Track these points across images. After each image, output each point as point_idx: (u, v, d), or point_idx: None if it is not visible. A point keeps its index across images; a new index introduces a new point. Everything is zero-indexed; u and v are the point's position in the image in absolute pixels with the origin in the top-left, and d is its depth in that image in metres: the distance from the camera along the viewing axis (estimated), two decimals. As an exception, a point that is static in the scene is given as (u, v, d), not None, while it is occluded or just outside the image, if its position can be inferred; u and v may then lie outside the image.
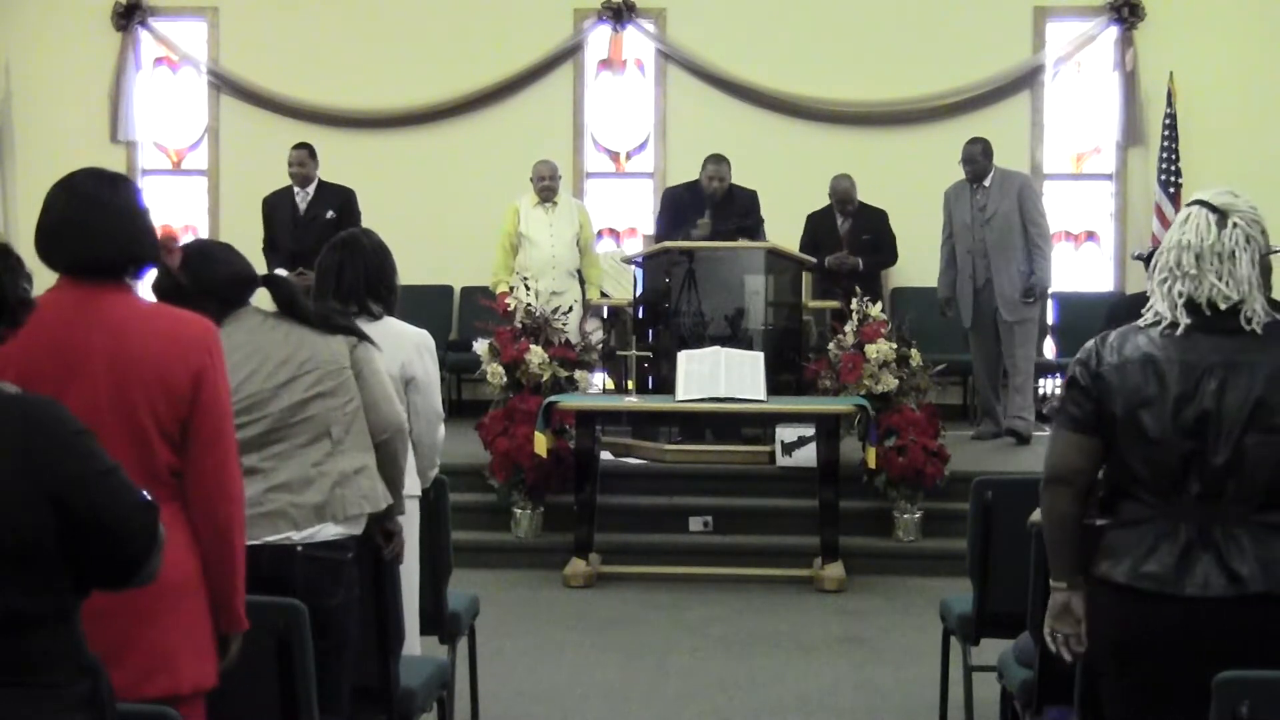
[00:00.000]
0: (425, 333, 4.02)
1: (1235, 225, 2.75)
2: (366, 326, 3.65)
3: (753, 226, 8.23)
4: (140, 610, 2.52)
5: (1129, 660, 2.73)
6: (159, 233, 2.81)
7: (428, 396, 3.97)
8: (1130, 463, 2.76)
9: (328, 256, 3.91)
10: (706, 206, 8.32)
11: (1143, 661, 2.71)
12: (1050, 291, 10.18)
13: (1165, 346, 2.75)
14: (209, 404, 2.62)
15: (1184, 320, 2.75)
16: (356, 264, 3.86)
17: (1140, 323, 2.82)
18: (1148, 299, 3.66)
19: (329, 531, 3.21)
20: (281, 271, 3.54)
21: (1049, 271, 8.52)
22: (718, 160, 8.45)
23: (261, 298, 3.34)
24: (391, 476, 3.44)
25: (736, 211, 8.33)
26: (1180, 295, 2.76)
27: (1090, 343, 2.85)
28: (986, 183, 8.46)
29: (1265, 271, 2.80)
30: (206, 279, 3.19)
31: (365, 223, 8.71)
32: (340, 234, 4.03)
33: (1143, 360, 2.75)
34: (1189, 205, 2.84)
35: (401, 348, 3.89)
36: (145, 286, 2.96)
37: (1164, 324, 2.78)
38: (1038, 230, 8.44)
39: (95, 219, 2.61)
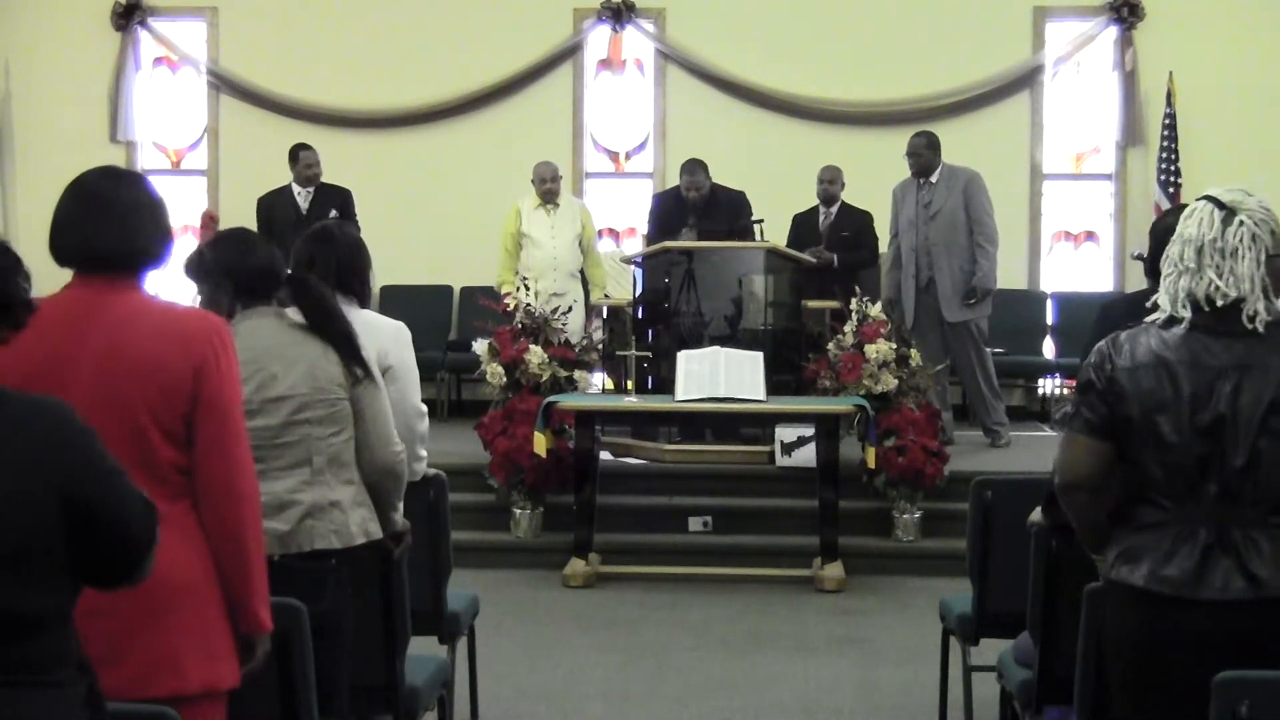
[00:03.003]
0: (401, 324, 3.96)
1: (1241, 223, 2.72)
2: None
3: (745, 229, 8.18)
4: (142, 611, 2.50)
5: (1145, 663, 2.72)
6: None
7: (404, 389, 3.87)
8: (1146, 466, 2.73)
9: (300, 249, 3.85)
10: (690, 214, 8.32)
11: (1160, 664, 2.69)
12: (1056, 293, 10.25)
13: (1177, 348, 2.72)
14: (212, 400, 2.57)
15: (1185, 315, 2.73)
16: (327, 257, 3.79)
17: (1147, 320, 2.79)
18: (1144, 298, 3.66)
19: None
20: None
21: (993, 272, 8.22)
22: (692, 170, 8.44)
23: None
24: (383, 509, 3.42)
25: (724, 214, 8.29)
26: (1182, 290, 2.74)
27: (1101, 344, 2.82)
28: (933, 178, 8.25)
29: (1276, 275, 2.75)
30: (230, 261, 3.21)
31: (364, 223, 8.74)
32: (313, 226, 4.00)
33: (1155, 363, 2.72)
34: (1198, 200, 2.80)
35: (376, 338, 3.80)
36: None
37: (1166, 320, 2.75)
38: (981, 229, 8.17)
39: (98, 214, 2.59)
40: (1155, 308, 2.82)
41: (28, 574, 2.01)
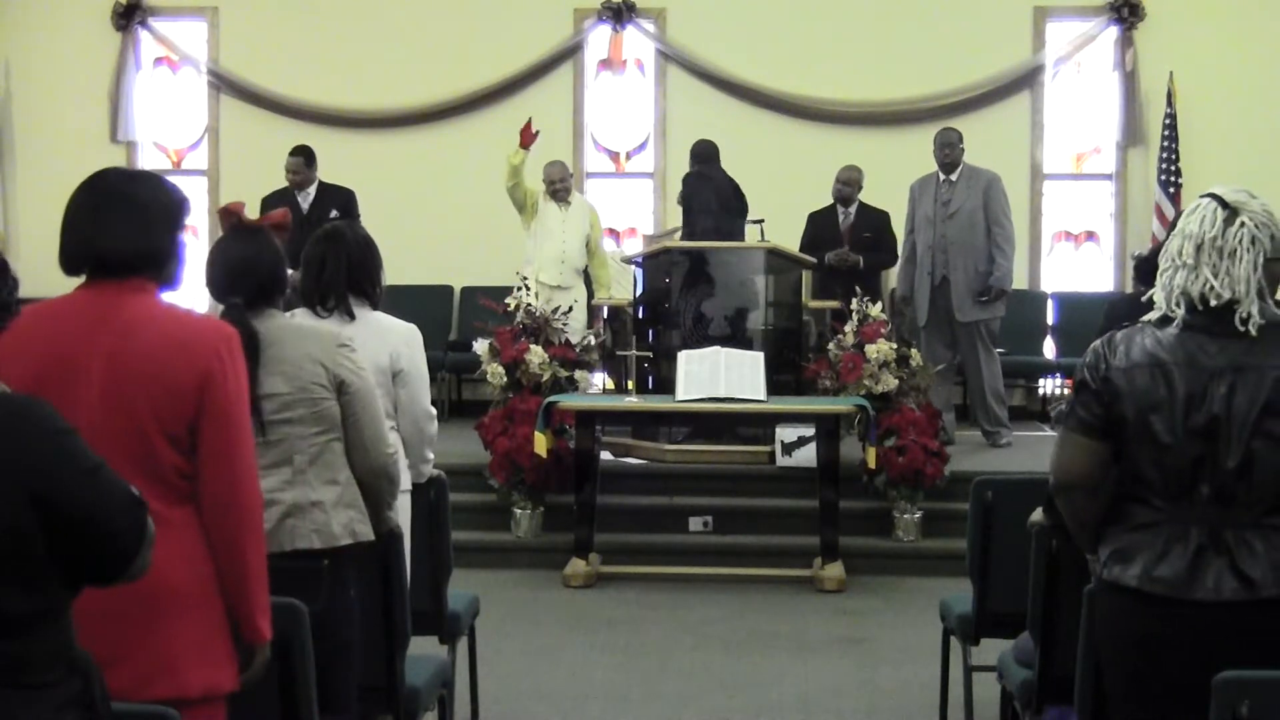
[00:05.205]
0: (413, 326, 3.95)
1: (1243, 224, 2.70)
2: (348, 327, 3.59)
3: (734, 229, 8.02)
4: (143, 613, 2.50)
5: (1140, 663, 2.71)
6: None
7: (414, 392, 3.88)
8: (1140, 466, 2.73)
9: (311, 249, 3.85)
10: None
11: (1154, 664, 2.69)
12: (1056, 293, 10.26)
13: (1172, 348, 2.71)
14: (217, 410, 2.54)
15: (1179, 313, 2.72)
16: (339, 256, 3.79)
17: (1144, 319, 2.79)
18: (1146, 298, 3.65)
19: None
20: (290, 272, 3.48)
21: (1009, 274, 8.26)
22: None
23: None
24: (376, 509, 3.39)
25: (713, 198, 8.20)
26: (1177, 287, 2.73)
27: (1096, 344, 2.82)
28: (954, 176, 8.27)
29: (1274, 279, 2.74)
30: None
31: (365, 223, 8.72)
32: (325, 225, 3.98)
33: (1150, 363, 2.71)
34: (1202, 196, 2.79)
35: (388, 340, 3.83)
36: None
37: (1160, 319, 2.74)
38: (1001, 231, 8.20)
39: (104, 215, 2.54)
40: (1151, 305, 2.81)
41: (11, 574, 2.00)
